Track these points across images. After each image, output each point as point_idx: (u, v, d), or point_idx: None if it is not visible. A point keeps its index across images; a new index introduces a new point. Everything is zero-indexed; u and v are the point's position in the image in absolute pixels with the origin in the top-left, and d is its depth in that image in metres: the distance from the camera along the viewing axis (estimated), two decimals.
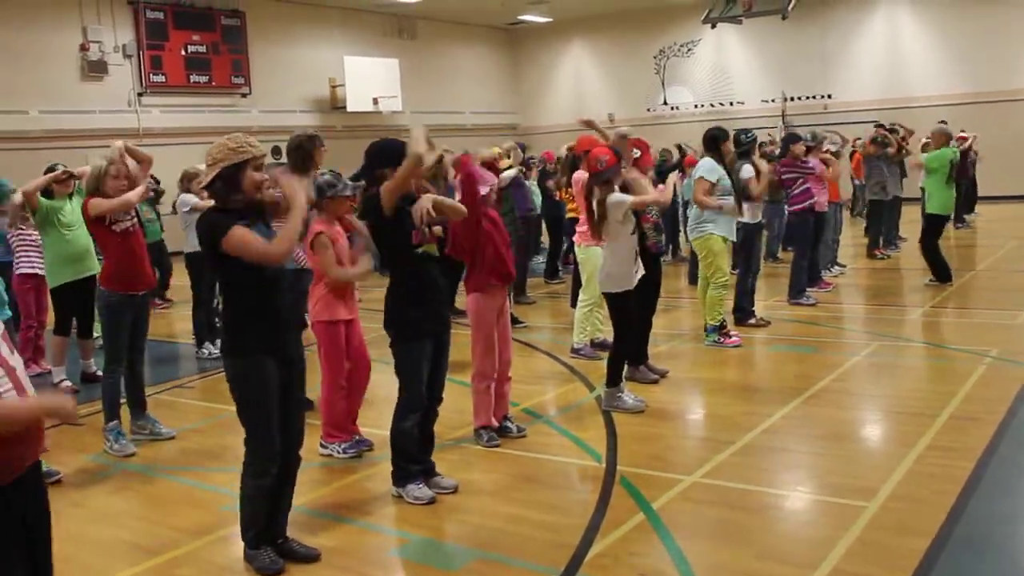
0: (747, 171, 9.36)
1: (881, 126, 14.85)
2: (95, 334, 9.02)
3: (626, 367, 7.01)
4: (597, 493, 5.13)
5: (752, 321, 9.50)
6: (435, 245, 5.18)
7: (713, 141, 8.82)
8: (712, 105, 28.06)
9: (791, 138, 11.08)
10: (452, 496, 5.23)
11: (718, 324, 8.81)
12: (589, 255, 8.38)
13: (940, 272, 11.45)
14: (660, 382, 7.42)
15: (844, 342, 8.77)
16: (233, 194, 4.09)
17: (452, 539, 4.75)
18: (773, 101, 25.88)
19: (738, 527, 4.60)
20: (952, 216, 13.12)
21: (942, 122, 13.50)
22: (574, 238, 8.64)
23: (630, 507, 4.90)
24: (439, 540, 4.75)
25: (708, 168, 8.70)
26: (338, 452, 5.96)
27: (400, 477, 5.18)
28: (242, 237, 3.98)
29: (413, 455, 5.17)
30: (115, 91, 20.65)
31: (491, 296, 6.01)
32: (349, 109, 24.38)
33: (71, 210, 8.27)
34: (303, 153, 6.64)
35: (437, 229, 5.29)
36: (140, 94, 21.11)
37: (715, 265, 8.72)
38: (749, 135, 9.69)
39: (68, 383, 8.42)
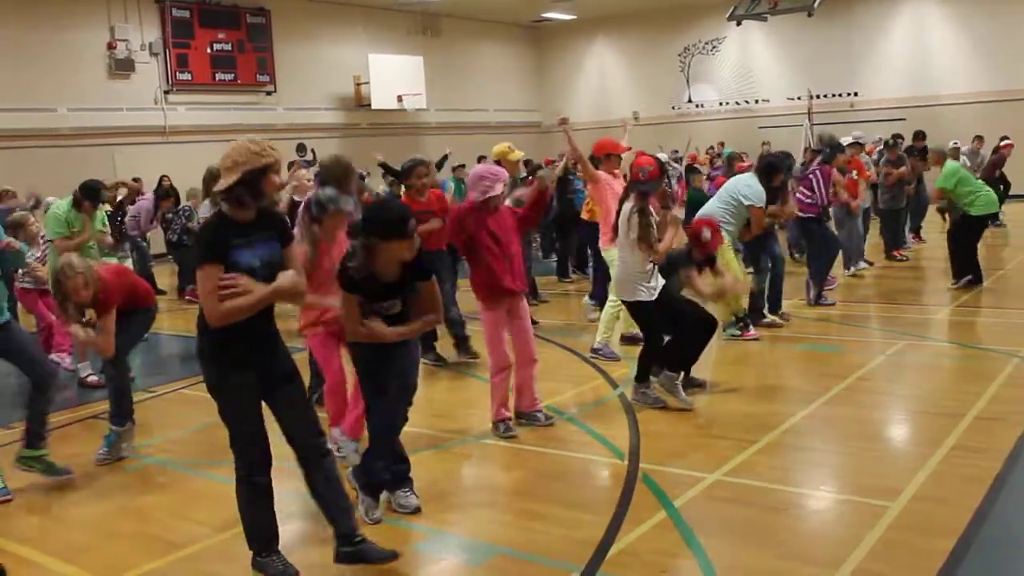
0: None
1: (894, 144, 14.46)
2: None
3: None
4: (619, 490, 5.12)
5: (766, 321, 9.44)
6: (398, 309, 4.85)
7: (770, 169, 8.80)
8: (737, 103, 27.95)
9: (835, 147, 11.05)
10: (474, 491, 5.25)
11: (735, 318, 8.88)
12: (613, 256, 8.36)
13: (966, 272, 11.20)
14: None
15: (869, 341, 8.70)
16: (253, 199, 3.95)
17: (473, 535, 4.75)
18: (799, 99, 25.72)
19: (761, 526, 4.58)
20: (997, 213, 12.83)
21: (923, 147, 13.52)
22: (600, 241, 8.61)
23: (652, 505, 4.89)
24: (460, 536, 4.75)
25: (758, 195, 8.66)
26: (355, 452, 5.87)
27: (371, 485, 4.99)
28: (203, 281, 3.86)
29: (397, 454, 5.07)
30: (142, 89, 20.80)
31: (492, 299, 6.16)
32: (374, 107, 24.45)
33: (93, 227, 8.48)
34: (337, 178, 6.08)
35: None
36: (166, 92, 21.25)
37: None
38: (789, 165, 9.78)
39: (95, 378, 8.48)
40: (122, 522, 5.17)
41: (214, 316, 3.87)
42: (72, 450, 6.38)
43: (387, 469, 4.96)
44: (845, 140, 12.41)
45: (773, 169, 8.84)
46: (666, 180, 7.01)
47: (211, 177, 8.12)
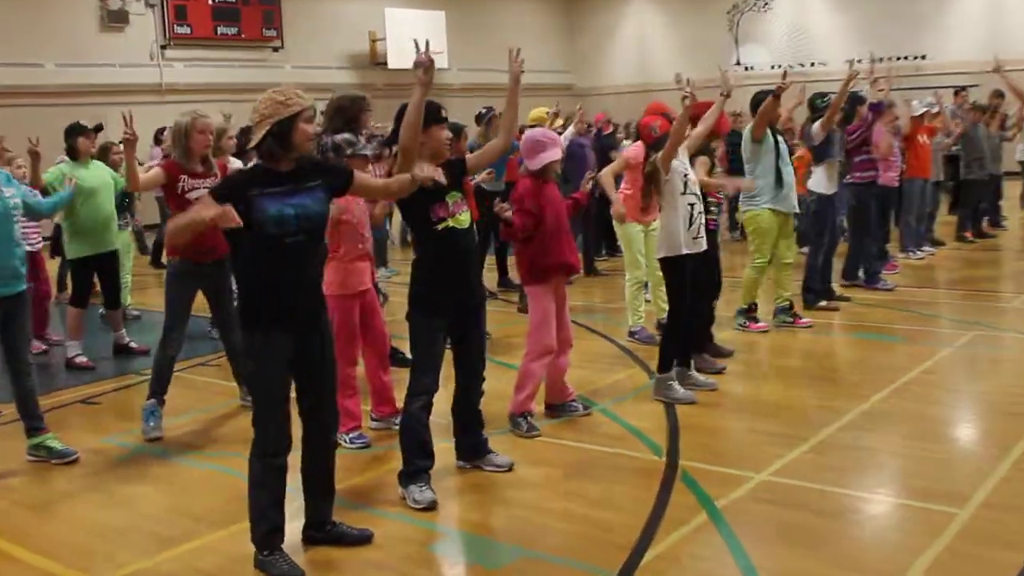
0: (816, 132, 9.32)
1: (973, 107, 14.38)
2: (127, 302, 9.29)
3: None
4: (656, 489, 5.12)
5: (823, 304, 9.40)
6: (465, 216, 5.18)
7: (759, 104, 8.67)
8: (791, 66, 27.58)
9: (855, 99, 10.78)
10: (496, 488, 5.26)
11: (745, 307, 8.81)
12: (628, 232, 8.43)
13: None
14: (725, 370, 7.36)
15: (934, 331, 8.65)
16: (285, 151, 4.14)
17: (495, 535, 4.77)
18: (859, 62, 25.44)
19: (811, 531, 4.57)
20: None
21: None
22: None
23: (692, 505, 4.89)
24: (481, 535, 4.77)
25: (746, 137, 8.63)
26: (345, 441, 5.87)
27: (404, 474, 5.14)
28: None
29: (421, 446, 5.13)
30: (136, 43, 20.91)
31: (546, 277, 6.16)
32: (391, 66, 24.48)
33: (91, 175, 8.37)
34: (346, 116, 6.56)
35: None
36: (163, 47, 21.35)
37: (756, 244, 8.65)
38: (825, 99, 9.56)
39: (84, 359, 8.57)
40: (112, 516, 5.22)
41: (171, 235, 4.34)
42: (65, 437, 6.41)
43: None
44: (916, 110, 12.23)
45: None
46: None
47: (217, 137, 8.12)
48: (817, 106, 9.56)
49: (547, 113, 9.72)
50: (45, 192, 7.75)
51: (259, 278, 4.20)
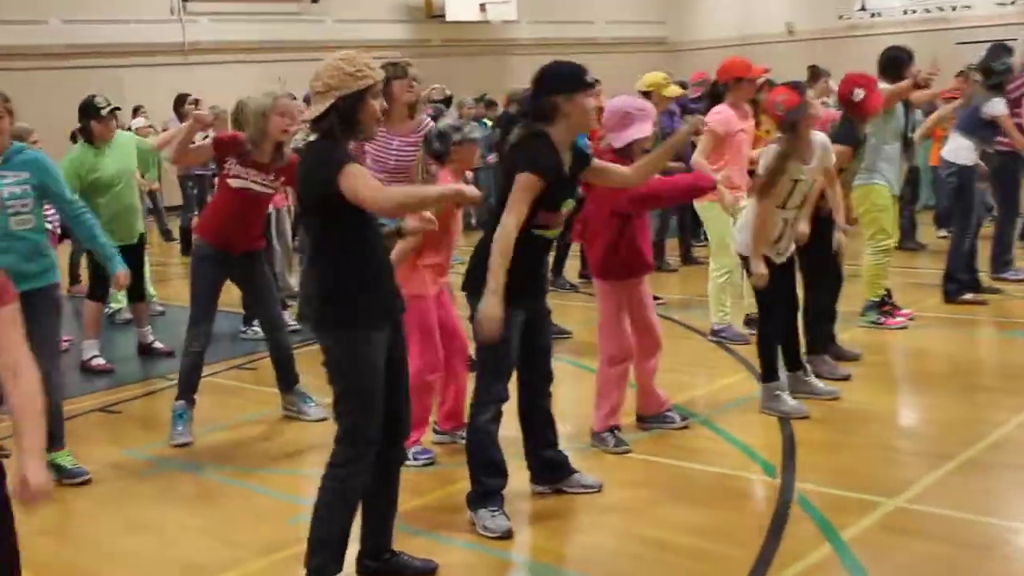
0: (998, 106, 9.16)
1: None
2: (151, 293, 9.47)
3: (807, 357, 6.99)
4: (769, 516, 5.12)
5: (968, 297, 9.28)
6: (559, 230, 5.23)
7: (892, 65, 8.53)
8: (927, 10, 27.29)
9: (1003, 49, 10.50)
10: (580, 512, 5.30)
11: (878, 299, 8.68)
12: (712, 213, 8.38)
13: None
14: (850, 376, 7.31)
15: None
16: (349, 130, 4.19)
17: (577, 567, 4.81)
18: (1012, 3, 24.99)
19: (957, 567, 4.55)
20: None
21: None
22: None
23: (812, 536, 4.88)
24: (562, 568, 4.82)
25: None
26: (408, 456, 5.93)
27: (473, 496, 5.19)
28: (358, 178, 4.06)
29: (491, 464, 5.17)
30: None
31: (620, 275, 6.19)
32: (448, 19, 24.58)
33: (109, 163, 8.47)
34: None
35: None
36: (185, 0, 21.62)
37: (878, 223, 8.50)
38: (1004, 63, 9.40)
39: (101, 361, 8.76)
40: (136, 542, 5.34)
41: (389, 206, 4.22)
42: (80, 450, 6.57)
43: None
44: None
45: (895, 65, 8.38)
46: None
47: (240, 113, 8.23)
48: (995, 71, 9.35)
49: (664, 79, 9.60)
50: None
51: (357, 269, 4.26)
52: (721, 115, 8.08)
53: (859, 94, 7.25)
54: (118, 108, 8.70)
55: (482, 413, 5.17)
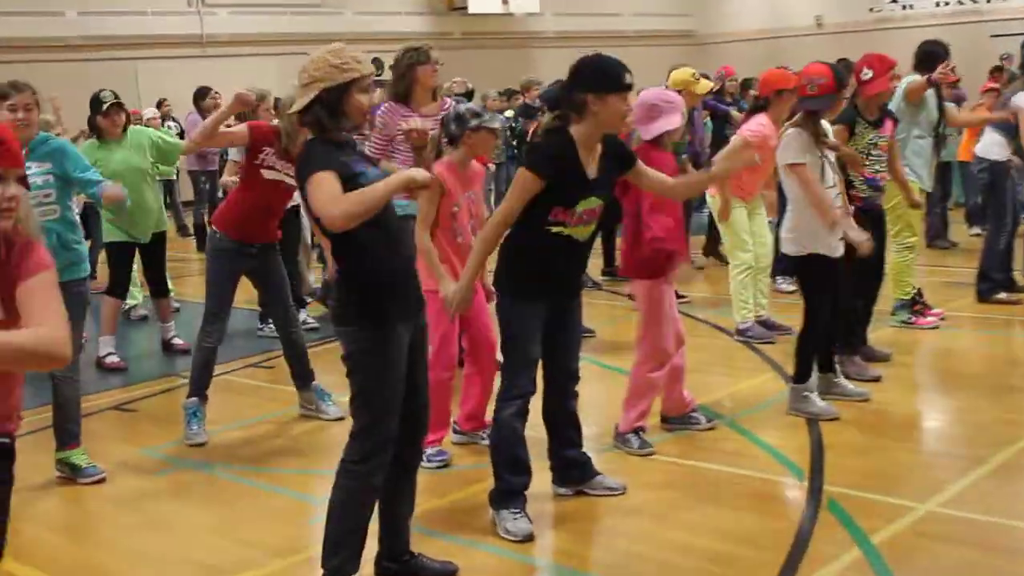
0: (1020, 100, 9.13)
1: None
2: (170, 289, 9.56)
3: (837, 356, 6.97)
4: (796, 520, 5.11)
5: (1002, 297, 9.25)
6: (589, 229, 5.15)
7: (928, 59, 8.48)
8: (960, 2, 27.17)
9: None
10: (604, 515, 5.30)
11: (908, 298, 8.65)
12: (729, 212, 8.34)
13: None
14: (881, 378, 7.29)
15: None
16: (335, 122, 4.19)
17: (601, 571, 4.81)
18: None
19: (989, 573, 4.54)
20: None
21: None
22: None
23: (841, 540, 4.86)
24: (583, 572, 4.82)
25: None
26: (424, 457, 5.94)
27: (496, 494, 5.20)
28: (319, 187, 4.04)
29: (515, 461, 5.18)
30: None
31: (662, 269, 6.14)
32: (471, 11, 24.63)
33: (117, 158, 8.48)
34: (399, 73, 6.72)
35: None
36: None
37: (904, 219, 8.46)
38: None
39: (115, 358, 8.81)
40: (151, 541, 5.37)
41: (336, 217, 4.00)
42: (95, 449, 6.61)
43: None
44: None
45: (932, 59, 8.36)
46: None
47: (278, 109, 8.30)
48: None
49: (693, 75, 9.59)
50: None
51: (376, 263, 4.27)
52: (764, 128, 7.98)
53: (867, 73, 7.21)
54: (121, 104, 8.66)
55: (506, 407, 5.17)
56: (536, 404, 5.32)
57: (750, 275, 8.48)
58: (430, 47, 6.93)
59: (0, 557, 3.35)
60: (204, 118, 15.41)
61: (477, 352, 6.24)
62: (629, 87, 4.94)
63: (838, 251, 6.56)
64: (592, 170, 4.97)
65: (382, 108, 7.01)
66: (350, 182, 4.06)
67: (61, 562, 5.20)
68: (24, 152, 5.88)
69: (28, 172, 5.94)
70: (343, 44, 4.29)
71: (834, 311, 6.71)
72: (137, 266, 9.40)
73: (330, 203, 3.99)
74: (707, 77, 11.25)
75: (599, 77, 4.91)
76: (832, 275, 6.58)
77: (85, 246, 6.55)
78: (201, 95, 15.49)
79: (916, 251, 8.63)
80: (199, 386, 6.84)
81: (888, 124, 7.37)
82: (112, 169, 8.29)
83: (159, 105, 17.30)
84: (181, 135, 14.53)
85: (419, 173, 4.11)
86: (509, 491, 5.14)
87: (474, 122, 5.89)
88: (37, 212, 5.96)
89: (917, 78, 8.31)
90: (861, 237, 6.36)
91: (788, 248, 6.70)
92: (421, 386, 4.52)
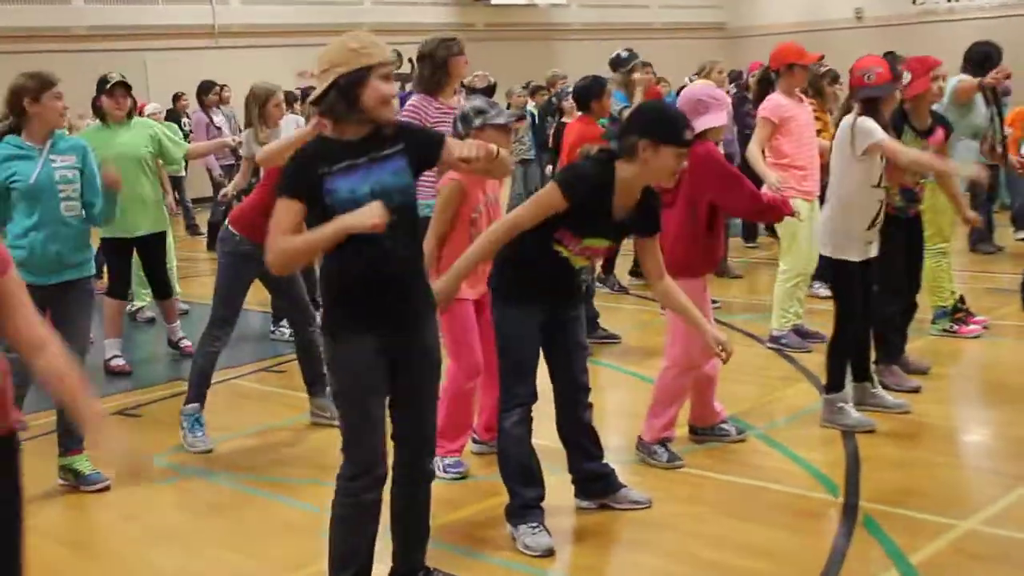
0: None
1: None
2: (177, 291, 9.56)
3: (874, 366, 6.94)
4: (831, 537, 5.09)
5: None
6: (586, 262, 5.27)
7: (982, 59, 8.41)
8: None
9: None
10: (628, 530, 5.29)
11: (948, 306, 8.56)
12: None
13: None
14: (921, 389, 7.25)
15: None
16: (352, 112, 4.10)
17: None
18: None
19: None
20: None
21: None
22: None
23: (877, 559, 4.85)
24: None
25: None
26: (439, 468, 5.83)
27: (511, 509, 5.19)
28: (276, 214, 4.08)
29: (525, 473, 5.17)
30: None
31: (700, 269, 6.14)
32: (494, 1, 24.66)
33: (113, 145, 8.46)
34: (434, 65, 6.70)
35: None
36: None
37: (936, 224, 8.36)
38: None
39: (120, 361, 8.83)
40: (158, 553, 5.38)
41: (272, 258, 4.13)
42: (99, 454, 6.63)
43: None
44: None
45: (987, 61, 8.42)
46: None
47: (255, 99, 8.25)
48: None
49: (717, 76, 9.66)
50: None
51: (338, 274, 4.24)
52: (772, 102, 8.04)
53: (906, 76, 7.17)
54: (127, 85, 8.65)
55: (508, 418, 5.17)
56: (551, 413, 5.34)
57: (799, 283, 8.43)
58: (459, 38, 6.95)
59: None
60: (208, 115, 15.48)
61: (491, 362, 6.22)
62: (688, 144, 4.93)
63: (871, 253, 6.53)
64: (620, 214, 4.97)
65: (412, 102, 7.00)
66: (316, 204, 4.05)
67: (63, 575, 5.20)
68: (48, 144, 6.05)
69: (53, 165, 6.07)
70: (364, 31, 4.26)
71: (865, 315, 6.67)
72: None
73: (273, 239, 4.07)
74: (739, 76, 11.28)
75: (658, 126, 4.90)
76: (864, 278, 6.55)
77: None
78: (205, 89, 15.48)
79: (950, 256, 8.58)
80: (200, 391, 6.84)
81: (939, 133, 7.28)
82: (112, 153, 8.18)
83: (175, 99, 17.28)
84: (186, 136, 14.46)
85: (370, 213, 3.97)
86: (524, 505, 5.13)
87: (478, 121, 5.78)
88: (64, 207, 6.10)
89: (967, 78, 8.25)
90: (973, 170, 6.39)
91: (824, 249, 6.67)
92: (421, 403, 4.45)
